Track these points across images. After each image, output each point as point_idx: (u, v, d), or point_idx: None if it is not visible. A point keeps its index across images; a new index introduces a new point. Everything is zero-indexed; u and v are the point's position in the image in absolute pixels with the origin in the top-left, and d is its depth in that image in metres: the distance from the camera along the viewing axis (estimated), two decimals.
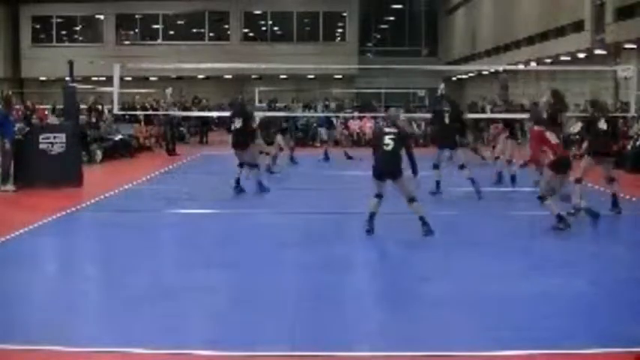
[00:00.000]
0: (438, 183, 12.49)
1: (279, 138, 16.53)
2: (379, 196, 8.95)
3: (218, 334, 5.55)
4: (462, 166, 12.34)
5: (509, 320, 5.78)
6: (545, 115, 10.53)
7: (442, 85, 15.82)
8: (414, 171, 8.91)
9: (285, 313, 6.03)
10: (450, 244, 8.76)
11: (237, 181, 12.52)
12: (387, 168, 8.92)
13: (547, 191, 9.32)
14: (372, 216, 8.95)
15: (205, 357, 5.07)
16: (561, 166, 9.23)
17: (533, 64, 27.43)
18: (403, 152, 8.94)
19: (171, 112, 21.48)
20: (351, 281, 7.22)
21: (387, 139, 8.89)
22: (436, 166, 12.58)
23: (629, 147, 16.86)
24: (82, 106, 21.80)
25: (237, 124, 12.48)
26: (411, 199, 8.90)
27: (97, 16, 40.67)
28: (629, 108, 16.35)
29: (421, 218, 8.83)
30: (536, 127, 9.52)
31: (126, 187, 13.60)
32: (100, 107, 22.72)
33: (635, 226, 10.37)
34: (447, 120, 12.68)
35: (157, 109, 23.72)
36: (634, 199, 12.03)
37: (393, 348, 5.17)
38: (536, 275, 7.18)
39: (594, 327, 5.61)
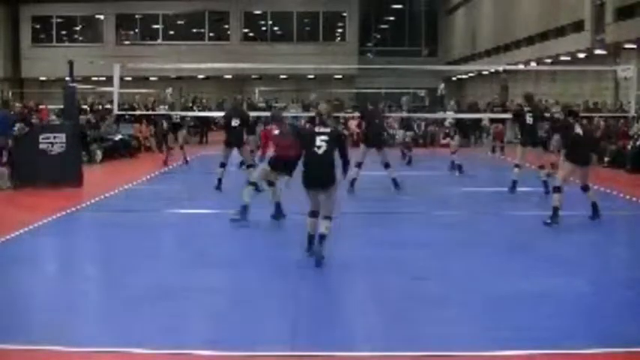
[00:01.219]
0: (395, 180, 12.80)
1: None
2: (315, 214, 7.82)
3: (218, 334, 5.55)
4: (387, 165, 12.87)
5: (509, 320, 5.78)
6: None
7: (442, 85, 15.88)
8: (344, 171, 7.91)
9: (285, 313, 6.03)
10: (449, 243, 8.76)
11: (220, 181, 12.91)
12: (319, 175, 7.71)
13: (258, 178, 9.93)
14: (310, 239, 7.81)
15: (205, 357, 5.08)
16: (276, 164, 9.45)
17: (533, 64, 27.43)
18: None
19: (171, 112, 21.42)
20: (350, 281, 7.20)
21: (319, 141, 7.71)
22: (387, 165, 12.90)
23: (629, 147, 16.85)
24: (84, 106, 21.85)
25: (235, 123, 12.86)
26: (328, 217, 7.69)
27: (97, 16, 40.65)
28: (629, 108, 16.35)
29: (322, 236, 7.62)
30: (267, 127, 9.71)
31: (126, 187, 13.59)
32: (100, 108, 22.72)
33: (635, 226, 10.37)
34: (377, 120, 13.31)
35: (154, 110, 23.67)
36: (634, 199, 12.03)
37: (393, 348, 5.17)
38: (536, 275, 7.18)
39: (594, 327, 5.61)
